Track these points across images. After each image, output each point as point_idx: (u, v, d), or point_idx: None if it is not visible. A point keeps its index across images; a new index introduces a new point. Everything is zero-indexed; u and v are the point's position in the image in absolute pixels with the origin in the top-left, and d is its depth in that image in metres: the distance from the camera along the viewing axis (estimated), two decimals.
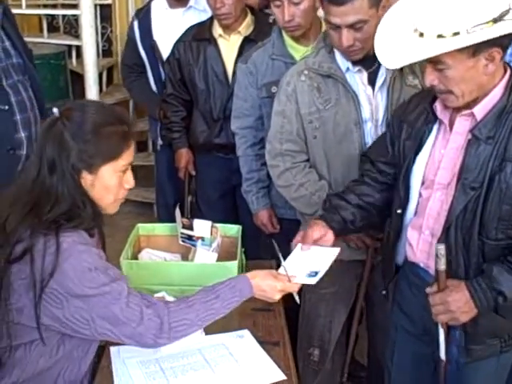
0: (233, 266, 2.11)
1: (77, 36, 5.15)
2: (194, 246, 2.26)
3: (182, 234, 2.31)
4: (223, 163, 3.02)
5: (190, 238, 2.28)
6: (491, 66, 1.59)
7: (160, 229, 2.43)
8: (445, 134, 1.75)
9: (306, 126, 2.24)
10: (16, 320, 1.55)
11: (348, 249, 2.32)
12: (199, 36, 2.96)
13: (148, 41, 3.37)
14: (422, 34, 1.57)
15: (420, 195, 1.81)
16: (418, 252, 1.82)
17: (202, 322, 1.65)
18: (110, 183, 1.62)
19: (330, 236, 1.92)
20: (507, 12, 1.53)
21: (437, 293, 1.68)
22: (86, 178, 1.60)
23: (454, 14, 1.52)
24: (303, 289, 2.49)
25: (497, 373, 1.86)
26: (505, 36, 1.52)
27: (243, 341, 1.90)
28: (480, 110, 1.66)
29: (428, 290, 1.71)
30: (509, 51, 1.71)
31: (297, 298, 1.82)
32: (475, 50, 1.54)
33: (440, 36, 1.54)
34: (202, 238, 2.25)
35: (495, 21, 1.52)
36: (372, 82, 2.19)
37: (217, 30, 2.92)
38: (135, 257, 2.28)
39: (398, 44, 1.64)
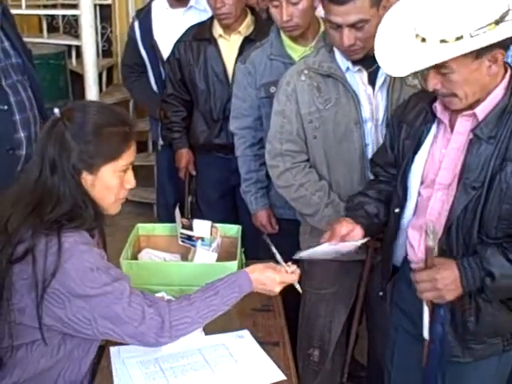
0: (233, 266, 2.11)
1: (76, 36, 5.16)
2: (194, 246, 2.26)
3: (181, 234, 2.30)
4: (223, 163, 3.02)
5: (189, 238, 2.28)
6: (494, 67, 1.59)
7: (160, 229, 2.43)
8: (445, 134, 1.75)
9: (305, 126, 2.24)
10: (18, 320, 1.56)
11: None
12: (199, 36, 2.96)
13: (148, 41, 3.37)
14: (424, 40, 1.56)
15: (419, 194, 1.81)
16: (420, 252, 1.82)
17: (203, 319, 1.66)
18: (110, 183, 1.63)
19: (358, 231, 1.91)
20: (507, 13, 1.52)
21: (424, 270, 1.67)
22: (87, 179, 1.60)
23: (456, 18, 1.52)
24: (303, 289, 2.50)
25: (498, 372, 1.85)
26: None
27: (243, 341, 1.90)
28: (481, 110, 1.65)
29: (414, 265, 1.70)
30: (510, 53, 1.71)
31: (298, 287, 1.83)
32: (479, 52, 1.54)
33: (443, 41, 1.53)
34: (202, 238, 2.25)
35: (497, 22, 1.51)
36: (372, 81, 2.19)
37: (217, 30, 2.92)
38: (135, 257, 2.28)
39: (400, 50, 1.63)
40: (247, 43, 2.82)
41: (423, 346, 1.78)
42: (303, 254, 1.84)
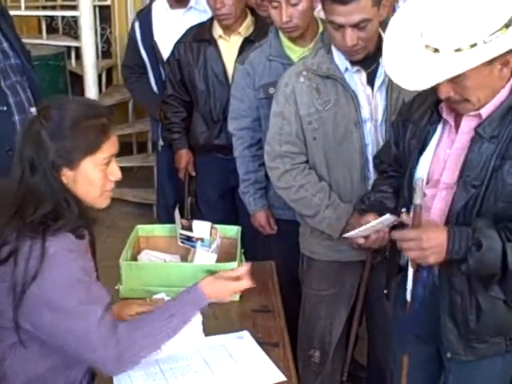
0: (232, 266, 2.10)
1: (76, 37, 5.15)
2: (194, 247, 2.26)
3: (181, 235, 2.30)
4: (223, 164, 3.02)
5: (189, 239, 2.28)
6: (505, 70, 1.59)
7: (159, 230, 2.43)
8: (450, 134, 1.75)
9: (305, 128, 2.24)
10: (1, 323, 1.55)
11: (349, 250, 2.32)
12: (199, 37, 2.96)
13: (149, 41, 3.38)
14: (437, 50, 1.54)
15: (424, 195, 1.80)
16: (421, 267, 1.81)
17: (162, 343, 1.65)
18: (92, 177, 1.60)
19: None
20: None
21: (411, 228, 1.66)
22: (68, 175, 1.58)
23: (468, 26, 1.50)
24: (303, 291, 2.50)
25: (502, 372, 1.84)
26: None
27: (243, 342, 1.89)
28: (486, 110, 1.66)
29: (403, 218, 1.69)
30: None
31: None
32: (492, 57, 1.53)
33: (458, 50, 1.51)
34: (202, 239, 2.25)
35: (507, 26, 1.50)
36: (371, 81, 2.19)
37: (217, 31, 2.92)
38: (135, 258, 2.28)
39: (412, 63, 1.60)
40: (247, 44, 2.82)
41: (405, 308, 1.78)
42: (351, 234, 1.84)
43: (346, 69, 2.18)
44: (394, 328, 2.07)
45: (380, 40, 2.15)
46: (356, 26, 2.01)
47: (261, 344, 1.88)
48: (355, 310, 2.44)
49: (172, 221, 2.43)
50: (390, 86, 2.17)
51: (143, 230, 2.40)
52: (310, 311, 2.48)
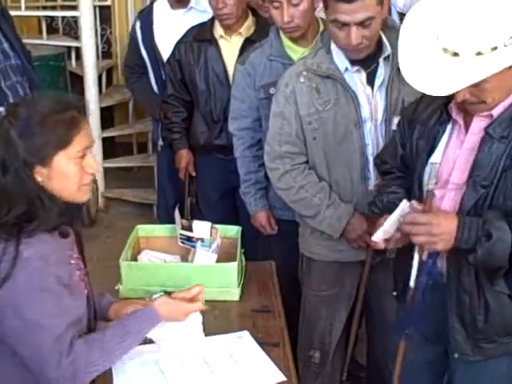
0: (232, 267, 2.11)
1: (76, 37, 5.15)
2: (194, 247, 2.26)
3: (181, 235, 2.30)
4: (223, 164, 3.02)
5: (189, 239, 2.28)
6: None
7: (159, 230, 2.43)
8: (459, 135, 1.74)
9: (305, 128, 2.24)
10: None
11: (349, 250, 2.32)
12: (200, 37, 2.96)
13: (149, 42, 3.39)
14: (456, 54, 1.53)
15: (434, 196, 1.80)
16: (427, 255, 1.81)
17: (115, 361, 1.65)
18: (67, 171, 1.57)
19: None
20: None
21: (422, 213, 1.64)
22: (41, 172, 1.55)
23: (488, 29, 1.49)
24: (303, 292, 2.49)
25: (508, 373, 1.84)
26: None
27: (243, 342, 1.89)
28: (497, 110, 1.65)
29: (414, 204, 1.68)
30: None
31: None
32: None
33: (479, 54, 1.50)
34: (202, 239, 2.25)
35: None
36: (370, 81, 2.19)
37: (218, 31, 2.92)
38: (135, 258, 2.28)
39: (431, 68, 1.57)
40: (248, 44, 2.81)
41: (408, 294, 1.77)
42: (378, 235, 1.78)
43: (346, 69, 2.18)
44: (397, 328, 2.05)
45: (379, 40, 2.16)
46: (361, 24, 2.01)
47: (261, 344, 1.88)
48: (355, 311, 2.44)
49: (172, 221, 2.43)
50: (390, 86, 2.17)
51: (143, 230, 2.40)
52: (310, 312, 2.48)
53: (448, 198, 1.74)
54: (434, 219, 1.62)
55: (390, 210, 1.84)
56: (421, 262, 1.74)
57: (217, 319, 2.01)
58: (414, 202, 1.70)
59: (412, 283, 1.76)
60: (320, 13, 2.50)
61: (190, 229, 2.28)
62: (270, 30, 2.59)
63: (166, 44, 3.26)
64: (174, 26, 3.26)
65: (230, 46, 2.91)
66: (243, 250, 2.31)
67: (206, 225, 2.26)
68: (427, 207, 1.65)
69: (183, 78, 3.04)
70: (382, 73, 2.18)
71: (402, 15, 2.84)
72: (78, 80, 4.80)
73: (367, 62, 2.16)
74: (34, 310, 1.49)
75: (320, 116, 2.20)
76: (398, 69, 2.15)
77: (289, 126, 2.26)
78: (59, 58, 4.64)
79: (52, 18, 5.57)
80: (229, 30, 2.89)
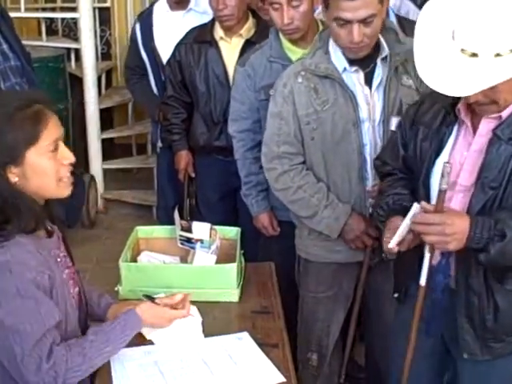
0: (232, 268, 2.11)
1: (76, 39, 5.15)
2: (193, 248, 2.26)
3: (180, 236, 2.30)
4: (223, 166, 3.02)
5: (188, 240, 2.28)
6: None
7: (159, 231, 2.43)
8: (466, 136, 1.74)
9: (303, 128, 2.24)
10: None
11: (347, 250, 2.32)
12: (200, 38, 2.96)
13: (149, 43, 3.40)
14: (475, 55, 1.52)
15: None
16: (440, 255, 1.80)
17: (96, 366, 1.64)
18: (42, 166, 1.55)
19: None
20: None
21: (434, 213, 1.63)
22: (16, 172, 1.54)
23: (508, 30, 1.49)
24: (300, 293, 2.49)
25: None
26: None
27: (242, 343, 1.89)
28: (507, 111, 1.65)
29: (425, 204, 1.67)
30: None
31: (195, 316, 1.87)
32: None
33: (497, 55, 1.50)
34: (201, 241, 2.25)
35: None
36: (368, 82, 2.19)
37: (218, 33, 2.92)
38: (134, 259, 2.28)
39: (448, 68, 1.56)
40: (248, 46, 2.81)
41: (418, 292, 1.76)
42: (394, 242, 1.76)
43: (344, 69, 2.18)
44: (401, 330, 2.04)
45: (377, 41, 2.16)
46: (363, 21, 2.01)
47: (260, 345, 1.87)
48: (352, 312, 2.44)
49: (172, 222, 2.43)
50: (388, 87, 2.17)
51: (143, 231, 2.40)
52: (308, 314, 2.47)
53: (456, 200, 1.74)
54: (447, 219, 1.61)
55: (397, 211, 1.84)
56: (430, 262, 1.73)
57: (216, 320, 2.01)
58: (423, 203, 1.69)
59: (423, 281, 1.75)
60: (319, 15, 2.50)
61: (189, 230, 2.28)
62: (269, 31, 2.59)
63: (166, 45, 3.27)
64: (174, 27, 3.26)
65: (230, 48, 2.92)
66: (243, 252, 2.31)
67: (206, 226, 2.26)
68: (439, 207, 1.64)
69: (183, 80, 3.05)
70: (379, 73, 2.18)
71: (399, 17, 2.85)
72: (77, 81, 4.80)
73: (365, 62, 2.16)
74: (11, 317, 1.48)
75: (318, 116, 2.20)
76: (396, 69, 2.18)
77: (287, 126, 2.25)
78: (59, 59, 4.63)
79: (51, 19, 5.57)
80: (229, 31, 2.89)
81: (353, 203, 2.26)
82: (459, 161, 1.74)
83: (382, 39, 2.17)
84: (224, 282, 2.11)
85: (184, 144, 3.16)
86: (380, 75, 2.18)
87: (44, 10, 5.77)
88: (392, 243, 1.73)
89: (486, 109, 1.65)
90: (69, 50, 5.02)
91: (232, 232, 2.37)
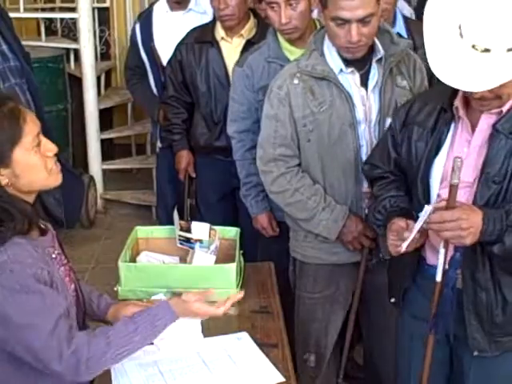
0: (231, 268, 2.11)
1: (75, 39, 5.15)
2: (192, 248, 2.26)
3: (180, 236, 2.30)
4: (223, 166, 3.02)
5: (188, 240, 2.28)
6: None
7: (158, 231, 2.43)
8: (464, 134, 1.75)
9: (299, 130, 2.23)
10: None
11: (344, 252, 2.31)
12: (202, 38, 2.96)
13: (149, 44, 3.39)
14: (487, 50, 1.52)
15: (438, 196, 1.78)
16: (453, 250, 1.78)
17: (123, 357, 1.61)
18: (31, 163, 1.55)
19: (411, 221, 1.81)
20: None
21: (449, 209, 1.63)
22: (6, 174, 1.53)
23: None
24: (296, 294, 2.49)
25: None
26: None
27: (242, 343, 1.90)
28: (507, 106, 1.66)
29: (436, 204, 1.67)
30: None
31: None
32: None
33: (510, 50, 1.51)
34: (201, 241, 2.25)
35: None
36: (364, 83, 2.19)
37: (219, 33, 2.92)
38: (133, 259, 2.28)
39: (461, 63, 1.56)
40: (249, 46, 2.80)
41: (434, 289, 1.75)
42: (405, 244, 1.74)
43: (341, 70, 2.18)
44: (404, 335, 2.04)
45: (372, 42, 2.16)
46: (361, 20, 2.01)
47: (260, 345, 1.88)
48: (350, 312, 2.43)
49: (172, 222, 2.44)
50: (383, 88, 2.18)
51: (142, 231, 2.40)
52: (305, 314, 2.46)
53: (460, 196, 1.73)
54: (462, 214, 1.62)
55: (396, 213, 1.84)
56: (445, 258, 1.73)
57: (215, 320, 2.00)
58: (435, 203, 1.69)
59: (439, 278, 1.75)
60: (318, 14, 2.51)
61: (188, 230, 2.28)
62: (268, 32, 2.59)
63: (166, 46, 3.27)
64: (174, 27, 3.27)
65: (231, 48, 2.92)
66: (242, 252, 2.31)
67: (205, 226, 2.27)
68: (451, 202, 1.63)
69: (184, 80, 3.05)
70: (375, 73, 2.18)
71: (405, 18, 2.86)
72: (76, 82, 4.80)
73: (360, 63, 2.17)
74: (19, 314, 1.49)
75: (315, 118, 2.20)
76: (391, 70, 2.18)
77: (283, 128, 2.24)
78: (58, 59, 4.64)
79: (51, 19, 5.57)
80: (230, 31, 2.89)
81: (349, 204, 2.26)
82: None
83: (376, 41, 2.17)
84: (223, 282, 2.11)
85: (185, 144, 3.16)
86: (376, 76, 2.18)
87: (43, 10, 5.77)
88: (405, 245, 1.72)
89: (488, 104, 1.65)
90: (68, 50, 5.02)
91: (231, 232, 2.37)
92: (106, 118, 5.22)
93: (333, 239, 2.27)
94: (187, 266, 2.21)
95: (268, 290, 2.21)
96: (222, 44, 2.93)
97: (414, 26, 2.69)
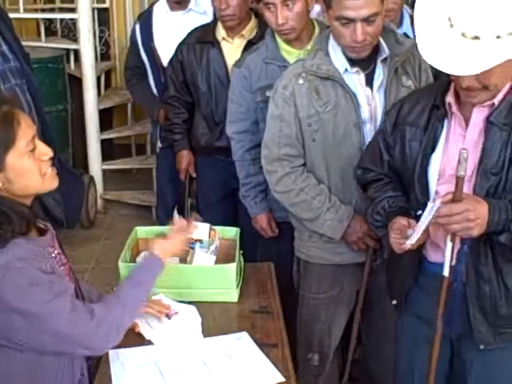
0: (231, 268, 2.11)
1: (75, 40, 5.15)
2: (192, 248, 2.26)
3: None
4: (224, 166, 3.02)
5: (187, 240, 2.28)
6: None
7: (158, 232, 2.42)
8: (457, 129, 1.75)
9: (304, 130, 2.23)
10: None
11: (349, 252, 2.31)
12: (203, 38, 2.96)
13: (149, 44, 3.39)
14: (477, 37, 1.53)
15: (437, 193, 1.79)
16: (460, 243, 1.78)
17: (135, 312, 1.72)
18: (25, 168, 1.54)
19: (412, 220, 1.81)
20: None
21: (456, 202, 1.63)
22: (0, 178, 1.53)
23: (507, 12, 1.51)
24: (300, 294, 2.49)
25: None
26: None
27: (242, 343, 1.90)
28: (498, 98, 1.68)
29: (443, 199, 1.66)
30: None
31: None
32: None
33: (498, 37, 1.52)
34: (201, 241, 2.24)
35: None
36: (369, 83, 2.19)
37: (220, 33, 2.92)
38: (133, 260, 2.28)
39: (451, 50, 1.57)
40: (250, 47, 2.79)
41: (441, 285, 1.75)
42: (412, 241, 1.74)
43: (346, 70, 2.18)
44: (407, 339, 2.03)
45: (377, 42, 2.16)
46: (366, 20, 2.01)
47: (259, 345, 1.88)
48: (355, 313, 2.43)
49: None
50: (389, 88, 2.18)
51: (142, 231, 2.40)
52: (308, 314, 2.46)
53: None
54: (469, 205, 1.62)
55: (395, 213, 1.84)
56: (452, 252, 1.73)
57: (215, 320, 2.01)
58: (442, 198, 1.68)
59: (446, 272, 1.74)
60: (315, 15, 2.50)
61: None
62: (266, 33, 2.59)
63: (166, 46, 3.27)
64: (174, 27, 3.27)
65: (232, 48, 2.92)
66: (242, 252, 2.31)
67: (205, 226, 2.26)
68: (458, 194, 1.63)
69: (185, 80, 3.05)
70: (380, 73, 2.18)
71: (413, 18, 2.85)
72: (76, 82, 4.80)
73: (365, 63, 2.17)
74: (34, 305, 1.50)
75: (320, 118, 2.20)
76: (396, 70, 2.18)
77: (288, 128, 2.24)
78: (58, 60, 4.64)
79: (50, 20, 5.57)
80: (231, 31, 2.89)
81: (354, 204, 2.26)
82: (456, 153, 1.74)
83: (381, 40, 2.17)
84: (223, 282, 2.12)
85: (185, 144, 3.16)
86: (381, 76, 2.18)
87: (43, 10, 5.77)
88: (412, 241, 1.73)
89: (476, 95, 1.66)
90: (68, 50, 5.02)
91: (231, 232, 2.38)
92: (106, 119, 5.23)
93: (337, 239, 2.27)
94: (187, 266, 2.21)
95: (268, 290, 2.21)
96: (223, 44, 2.93)
97: None
